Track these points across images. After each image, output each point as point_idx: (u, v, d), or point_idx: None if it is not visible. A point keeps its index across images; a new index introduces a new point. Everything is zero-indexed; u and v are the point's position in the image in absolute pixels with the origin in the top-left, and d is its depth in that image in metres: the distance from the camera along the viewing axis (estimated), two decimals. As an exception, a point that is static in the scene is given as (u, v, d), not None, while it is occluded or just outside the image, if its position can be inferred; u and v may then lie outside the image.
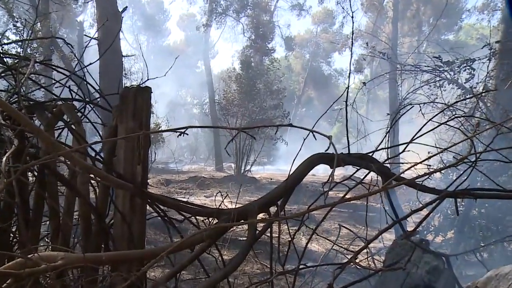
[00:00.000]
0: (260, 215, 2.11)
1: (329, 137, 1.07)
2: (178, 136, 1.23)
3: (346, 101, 2.46)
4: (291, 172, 2.11)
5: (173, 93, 43.36)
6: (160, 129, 16.28)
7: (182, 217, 2.56)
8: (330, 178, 1.14)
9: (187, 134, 1.14)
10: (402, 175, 1.87)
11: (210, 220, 2.10)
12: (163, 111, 23.69)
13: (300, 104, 46.92)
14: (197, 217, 2.34)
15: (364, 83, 5.62)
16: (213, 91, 27.67)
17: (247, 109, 20.64)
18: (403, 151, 1.93)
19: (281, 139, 20.82)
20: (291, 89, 46.13)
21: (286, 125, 1.18)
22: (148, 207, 2.50)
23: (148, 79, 3.17)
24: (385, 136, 2.21)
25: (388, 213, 2.00)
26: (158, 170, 23.75)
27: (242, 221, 1.99)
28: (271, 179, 20.15)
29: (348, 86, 2.38)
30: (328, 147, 1.13)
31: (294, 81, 48.83)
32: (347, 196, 1.43)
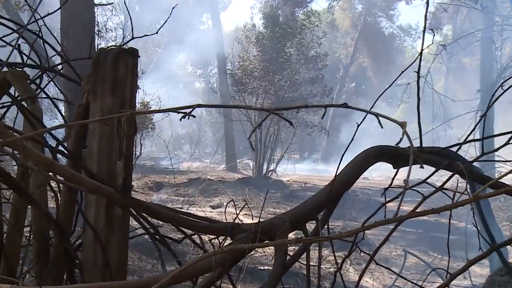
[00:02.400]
0: (293, 234, 2.08)
1: (402, 125, 1.02)
2: (181, 119, 1.20)
3: (418, 72, 2.40)
4: (337, 173, 2.08)
5: (167, 60, 43.61)
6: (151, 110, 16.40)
7: (180, 236, 2.55)
8: (405, 182, 1.10)
9: (194, 117, 1.11)
10: (501, 180, 1.81)
11: (220, 240, 2.09)
12: (154, 85, 23.77)
13: (347, 77, 46.72)
14: (203, 235, 2.33)
15: (444, 46, 5.50)
16: (224, 58, 27.76)
17: (272, 83, 20.66)
18: (507, 143, 1.86)
19: (320, 127, 20.76)
20: (335, 55, 45.91)
21: (339, 106, 1.14)
22: (132, 220, 2.50)
23: (132, 38, 3.16)
24: (479, 122, 2.14)
25: (481, 235, 1.94)
26: (145, 169, 24.04)
27: (267, 241, 1.97)
28: (305, 183, 20.16)
29: (422, 49, 2.32)
30: (401, 139, 1.08)
31: (339, 44, 48.58)
32: (419, 209, 1.38)
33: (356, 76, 47.89)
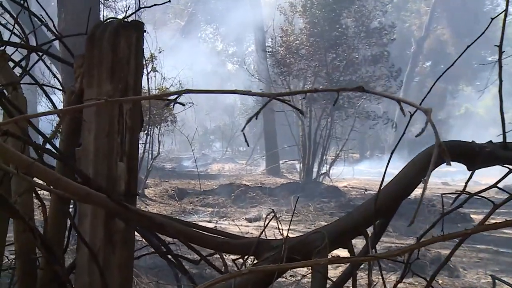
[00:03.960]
0: (335, 252, 2.08)
1: (427, 111, 1.02)
2: (164, 108, 1.22)
3: (500, 46, 2.38)
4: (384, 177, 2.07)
5: (192, 36, 43.82)
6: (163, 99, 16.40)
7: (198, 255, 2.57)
8: (423, 182, 1.10)
9: (182, 105, 1.12)
10: None
11: (245, 260, 2.09)
12: (175, 67, 23.92)
13: (421, 53, 46.19)
14: (224, 254, 2.34)
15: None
16: (263, 32, 27.76)
17: (323, 63, 20.57)
18: None
19: (385, 118, 20.57)
20: (405, 27, 45.41)
21: (354, 89, 1.13)
22: (138, 236, 2.53)
23: (139, 9, 3.20)
24: None
25: None
26: (165, 173, 24.24)
27: (303, 261, 1.96)
28: (366, 190, 20.01)
29: (506, 10, 2.30)
30: (423, 130, 1.08)
31: (411, 11, 48.03)
32: (490, 220, 1.37)
33: (432, 53, 47.25)
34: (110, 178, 2.34)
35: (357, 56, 20.84)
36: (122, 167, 2.37)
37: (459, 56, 2.30)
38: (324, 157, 20.93)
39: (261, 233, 2.05)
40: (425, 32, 45.27)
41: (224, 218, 14.86)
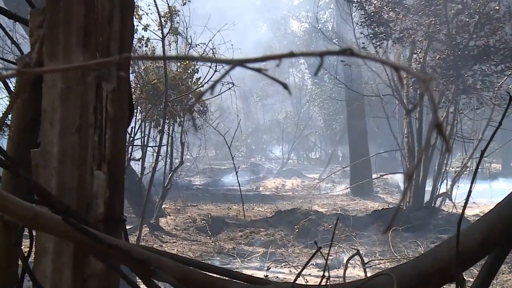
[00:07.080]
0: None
1: (425, 80, 1.10)
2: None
3: None
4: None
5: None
6: (195, 76, 16.43)
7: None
8: None
9: (123, 73, 1.20)
10: None
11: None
12: (209, 27, 24.01)
13: None
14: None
15: None
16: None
17: (443, 19, 20.28)
18: None
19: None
20: None
21: (340, 53, 1.20)
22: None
23: None
24: None
25: None
26: (192, 193, 24.35)
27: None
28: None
29: None
30: (422, 99, 1.15)
31: None
32: None
33: None
34: (82, 194, 2.39)
35: (497, 8, 20.30)
36: (101, 178, 2.42)
37: None
38: (444, 169, 20.63)
39: (298, 276, 2.13)
40: None
41: (283, 264, 14.73)
